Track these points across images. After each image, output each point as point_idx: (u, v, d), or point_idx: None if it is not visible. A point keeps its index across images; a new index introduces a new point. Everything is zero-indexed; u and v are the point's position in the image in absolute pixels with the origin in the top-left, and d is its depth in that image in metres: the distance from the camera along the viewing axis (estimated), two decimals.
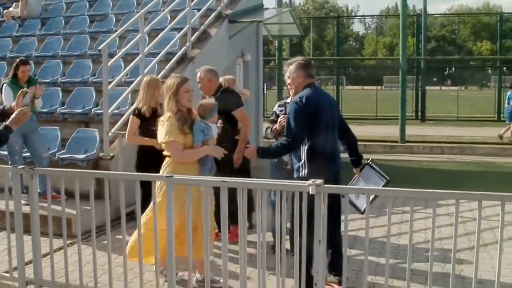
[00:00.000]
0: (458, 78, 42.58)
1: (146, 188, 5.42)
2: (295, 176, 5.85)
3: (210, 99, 6.45)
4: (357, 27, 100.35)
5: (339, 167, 5.97)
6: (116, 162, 8.99)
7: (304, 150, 5.78)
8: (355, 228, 7.54)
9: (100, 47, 9.71)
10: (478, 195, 4.36)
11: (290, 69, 5.99)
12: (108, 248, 5.27)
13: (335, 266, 5.84)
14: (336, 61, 32.00)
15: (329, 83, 45.01)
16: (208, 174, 5.79)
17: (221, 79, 7.96)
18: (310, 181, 4.56)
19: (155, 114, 7.48)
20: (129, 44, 10.47)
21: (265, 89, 26.96)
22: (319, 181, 4.56)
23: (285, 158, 6.61)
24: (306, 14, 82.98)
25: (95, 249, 5.38)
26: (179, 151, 5.81)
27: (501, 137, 18.01)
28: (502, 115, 26.43)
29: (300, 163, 5.81)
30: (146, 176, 5.54)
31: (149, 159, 7.43)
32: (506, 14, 49.06)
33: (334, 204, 5.35)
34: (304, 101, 5.72)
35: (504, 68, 37.71)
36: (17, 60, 9.03)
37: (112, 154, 9.13)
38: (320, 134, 5.79)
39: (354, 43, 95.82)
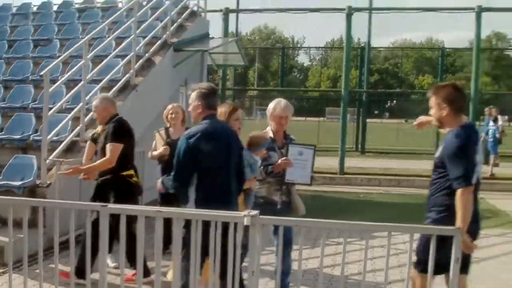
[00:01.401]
0: (399, 111, 43.48)
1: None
2: None
3: (263, 133, 6.43)
4: (302, 58, 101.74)
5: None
6: (53, 190, 8.83)
7: (192, 191, 5.48)
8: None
9: (42, 73, 9.64)
10: (410, 227, 4.50)
11: (191, 96, 5.62)
12: (40, 277, 5.19)
13: None
14: (280, 92, 32.31)
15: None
16: (250, 206, 5.94)
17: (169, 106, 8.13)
18: (245, 212, 4.62)
19: None
20: (72, 70, 10.40)
21: None
22: (254, 212, 4.62)
23: (275, 197, 6.49)
24: (252, 44, 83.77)
25: (27, 278, 5.29)
26: None
27: (492, 174, 18.18)
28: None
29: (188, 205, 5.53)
30: (82, 205, 5.51)
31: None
32: (447, 49, 50.70)
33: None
34: (193, 135, 5.39)
35: None
36: None
37: (49, 182, 8.97)
38: (209, 174, 5.47)
39: (298, 74, 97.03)
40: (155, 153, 8.33)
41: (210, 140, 5.43)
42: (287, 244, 6.14)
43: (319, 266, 4.71)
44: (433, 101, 5.10)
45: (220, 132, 5.58)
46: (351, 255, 8.16)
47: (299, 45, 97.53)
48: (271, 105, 6.54)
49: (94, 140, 7.50)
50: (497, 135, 19.47)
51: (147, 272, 6.27)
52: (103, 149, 7.05)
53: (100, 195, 7.01)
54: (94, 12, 15.53)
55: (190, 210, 5.04)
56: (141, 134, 9.76)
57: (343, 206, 11.18)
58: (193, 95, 5.61)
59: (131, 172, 7.14)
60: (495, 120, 20.43)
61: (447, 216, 4.86)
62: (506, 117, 25.71)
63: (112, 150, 6.93)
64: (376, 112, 50.66)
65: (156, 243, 4.83)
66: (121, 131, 7.07)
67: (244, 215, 4.59)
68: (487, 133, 19.35)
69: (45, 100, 9.15)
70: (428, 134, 28.18)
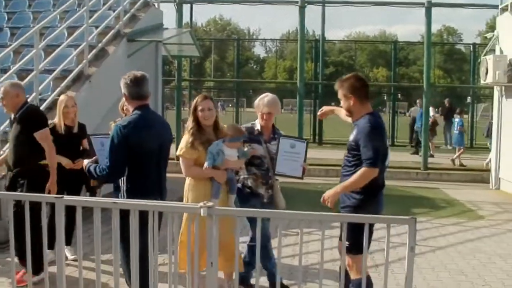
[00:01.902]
0: None
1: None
2: None
3: (244, 125, 6.44)
4: (259, 50, 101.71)
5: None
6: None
7: (123, 181, 5.49)
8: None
9: None
10: (364, 217, 4.51)
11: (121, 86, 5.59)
12: None
13: None
14: (235, 83, 32.25)
15: (230, 105, 45.14)
16: (214, 197, 5.90)
17: None
18: (201, 203, 4.55)
19: (71, 135, 7.54)
20: (23, 60, 10.19)
21: (164, 109, 26.81)
22: (210, 203, 4.57)
23: (261, 191, 6.49)
24: (207, 35, 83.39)
25: None
26: (186, 166, 6.04)
27: (453, 161, 18.78)
28: (395, 140, 27.40)
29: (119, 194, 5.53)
30: (35, 196, 5.36)
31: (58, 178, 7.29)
32: (400, 43, 51.16)
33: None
34: (124, 126, 5.37)
35: (399, 95, 39.19)
36: None
37: (3, 174, 8.78)
38: (141, 164, 5.45)
39: (255, 66, 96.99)
40: None
41: (142, 130, 5.41)
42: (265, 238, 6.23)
43: (277, 257, 4.68)
44: (340, 94, 5.56)
45: (151, 123, 5.57)
46: (310, 244, 8.20)
47: (254, 37, 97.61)
48: (256, 100, 6.59)
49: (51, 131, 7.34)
50: (458, 128, 19.83)
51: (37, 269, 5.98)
52: (17, 138, 6.81)
53: (13, 187, 6.83)
54: (45, 0, 15.18)
55: (146, 202, 4.94)
56: (96, 125, 9.60)
57: (302, 197, 11.20)
58: (121, 83, 5.60)
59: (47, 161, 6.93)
60: (460, 113, 20.93)
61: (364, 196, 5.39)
62: (449, 107, 26.19)
63: (44, 137, 6.81)
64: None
65: (114, 235, 4.75)
66: (41, 117, 7.00)
67: (201, 206, 4.53)
68: (420, 125, 19.68)
69: None
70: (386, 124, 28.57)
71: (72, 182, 7.57)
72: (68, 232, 6.46)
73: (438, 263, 8.08)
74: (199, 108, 6.05)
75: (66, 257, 6.61)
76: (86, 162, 5.74)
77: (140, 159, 5.42)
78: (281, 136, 6.42)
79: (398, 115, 30.87)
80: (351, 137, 5.53)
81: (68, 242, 7.31)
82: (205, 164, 5.97)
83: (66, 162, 7.53)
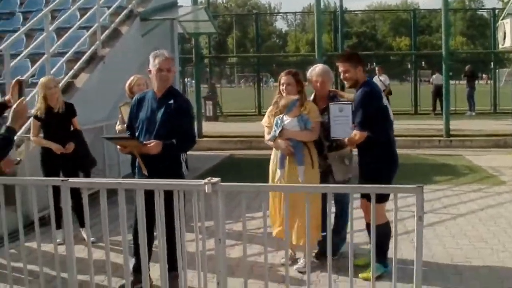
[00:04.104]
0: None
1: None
2: None
3: (292, 96, 6.48)
4: (280, 24, 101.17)
5: None
6: (23, 167, 8.67)
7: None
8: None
9: (1, 47, 9.40)
10: (371, 188, 4.45)
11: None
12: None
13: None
14: (257, 58, 32.04)
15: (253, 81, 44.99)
16: (279, 167, 6.41)
17: (133, 78, 7.81)
18: (206, 180, 4.50)
19: (57, 116, 7.44)
20: (34, 43, 10.17)
21: (185, 86, 26.78)
22: (215, 179, 4.51)
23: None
24: (228, 11, 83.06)
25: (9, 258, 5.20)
26: (265, 134, 6.60)
27: None
28: (418, 108, 27.08)
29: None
30: (43, 180, 5.36)
31: (52, 161, 7.38)
32: (421, 11, 50.52)
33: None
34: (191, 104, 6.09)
35: (422, 63, 38.74)
36: None
37: (19, 159, 8.79)
38: None
39: (277, 40, 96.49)
40: (121, 127, 7.88)
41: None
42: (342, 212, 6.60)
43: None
44: (346, 66, 6.14)
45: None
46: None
47: (275, 11, 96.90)
48: (308, 73, 6.81)
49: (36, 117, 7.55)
50: None
51: None
52: None
53: None
54: None
55: (150, 181, 4.91)
56: (113, 105, 9.57)
57: None
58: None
59: None
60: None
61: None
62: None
63: None
64: None
65: (121, 216, 4.73)
66: None
67: (205, 182, 4.48)
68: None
69: (6, 76, 8.95)
70: (407, 94, 28.27)
71: (67, 166, 7.55)
72: (80, 214, 6.47)
73: (458, 231, 7.96)
74: (281, 82, 6.50)
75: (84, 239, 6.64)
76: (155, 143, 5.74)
77: None
78: (330, 103, 6.41)
79: (420, 83, 30.44)
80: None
81: (82, 224, 7.27)
82: (266, 137, 6.50)
83: (55, 146, 7.50)
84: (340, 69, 6.23)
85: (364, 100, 6.05)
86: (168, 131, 5.72)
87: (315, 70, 6.64)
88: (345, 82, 6.38)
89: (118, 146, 5.97)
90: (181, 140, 5.72)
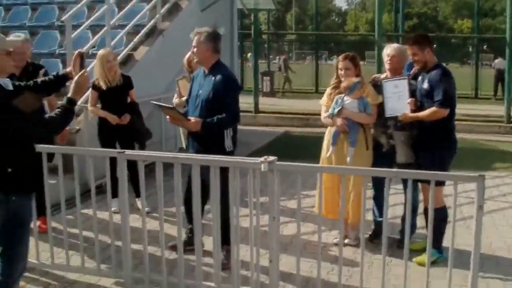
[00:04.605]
0: (439, 55, 42.57)
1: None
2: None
3: (354, 78, 6.46)
4: (340, 2, 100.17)
5: None
6: (82, 136, 8.82)
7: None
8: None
9: (63, 18, 9.52)
10: (431, 174, 4.39)
11: (198, 39, 5.87)
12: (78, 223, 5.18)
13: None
14: (315, 36, 31.79)
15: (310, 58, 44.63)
16: (331, 144, 6.40)
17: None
18: (262, 158, 4.49)
19: (115, 88, 7.52)
20: (95, 15, 10.25)
21: (243, 61, 26.81)
22: (271, 158, 4.49)
23: (382, 140, 6.50)
24: None
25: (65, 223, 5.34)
26: (322, 113, 6.61)
27: None
28: (479, 91, 26.48)
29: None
30: (98, 151, 5.43)
31: (108, 131, 7.48)
32: None
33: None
34: (236, 80, 6.14)
35: (484, 47, 37.81)
36: None
37: (78, 128, 8.95)
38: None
39: (337, 19, 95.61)
40: (178, 100, 7.93)
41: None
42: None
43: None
44: (414, 49, 6.07)
45: None
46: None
47: None
48: (383, 51, 6.79)
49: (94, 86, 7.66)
50: None
51: None
52: None
53: None
54: None
55: (206, 157, 4.91)
56: (171, 78, 9.61)
57: None
58: (201, 38, 5.86)
59: None
60: None
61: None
62: None
63: None
64: None
65: (176, 190, 4.77)
66: None
67: (261, 161, 4.47)
68: None
69: (67, 46, 9.10)
70: (467, 78, 27.62)
71: (123, 137, 7.63)
72: (136, 184, 6.53)
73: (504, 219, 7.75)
74: (339, 67, 6.50)
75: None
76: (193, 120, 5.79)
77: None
78: (383, 80, 6.39)
79: (482, 66, 29.73)
80: (425, 85, 6.04)
81: (138, 194, 7.32)
82: (323, 115, 6.52)
83: (111, 117, 7.60)
84: (409, 52, 6.21)
85: (444, 78, 5.96)
86: (210, 107, 5.73)
87: (390, 46, 6.62)
88: (414, 64, 6.30)
89: (168, 116, 6.04)
90: (223, 116, 5.69)
